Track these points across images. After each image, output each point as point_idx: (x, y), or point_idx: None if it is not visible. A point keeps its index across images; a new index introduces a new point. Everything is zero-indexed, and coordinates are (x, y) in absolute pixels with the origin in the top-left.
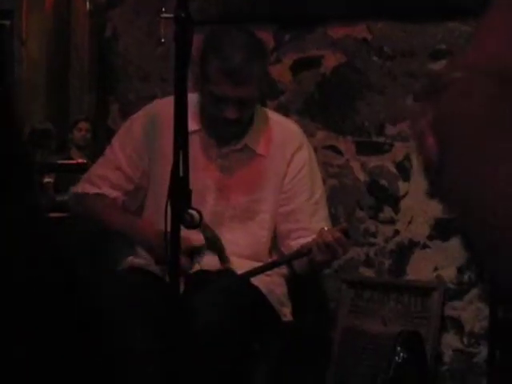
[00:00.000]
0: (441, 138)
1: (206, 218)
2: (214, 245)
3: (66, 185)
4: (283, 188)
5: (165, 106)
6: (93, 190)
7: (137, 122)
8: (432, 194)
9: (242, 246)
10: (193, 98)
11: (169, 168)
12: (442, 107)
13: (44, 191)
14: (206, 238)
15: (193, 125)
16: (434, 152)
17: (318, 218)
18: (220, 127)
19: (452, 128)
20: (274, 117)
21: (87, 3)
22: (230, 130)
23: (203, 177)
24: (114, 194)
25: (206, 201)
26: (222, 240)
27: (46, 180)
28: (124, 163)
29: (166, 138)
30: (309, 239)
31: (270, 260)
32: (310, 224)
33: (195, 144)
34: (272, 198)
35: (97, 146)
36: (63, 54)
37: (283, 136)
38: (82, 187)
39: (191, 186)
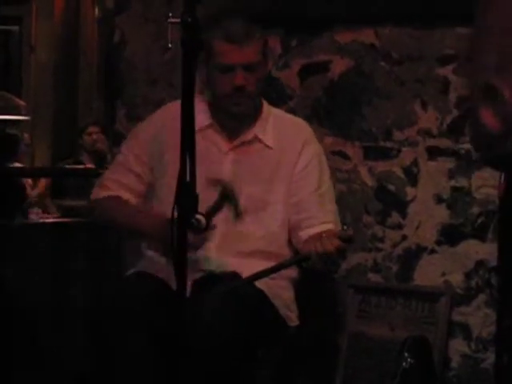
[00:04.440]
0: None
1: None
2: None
3: (73, 190)
4: (293, 178)
5: (174, 108)
6: (104, 194)
7: (143, 126)
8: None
9: (256, 238)
10: (203, 97)
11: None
12: None
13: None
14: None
15: (205, 120)
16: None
17: (325, 208)
18: (232, 100)
19: None
20: (282, 114)
21: (95, 9)
22: (240, 110)
23: (217, 170)
24: (126, 195)
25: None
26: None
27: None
28: (133, 163)
29: (175, 139)
30: (317, 229)
31: (274, 263)
32: (318, 212)
33: (208, 138)
34: (283, 189)
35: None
36: (71, 59)
37: (292, 129)
38: (95, 193)
39: (206, 179)
